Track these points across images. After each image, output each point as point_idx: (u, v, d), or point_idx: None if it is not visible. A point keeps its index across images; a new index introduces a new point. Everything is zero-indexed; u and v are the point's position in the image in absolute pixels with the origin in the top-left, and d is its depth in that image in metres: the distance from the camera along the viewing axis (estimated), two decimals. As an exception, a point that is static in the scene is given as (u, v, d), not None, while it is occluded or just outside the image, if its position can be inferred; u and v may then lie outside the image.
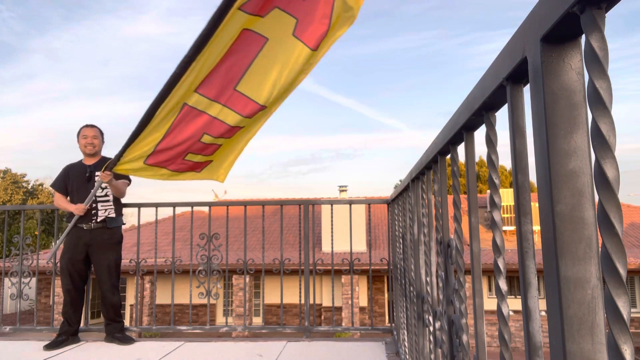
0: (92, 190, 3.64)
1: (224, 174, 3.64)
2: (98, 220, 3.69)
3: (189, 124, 3.29)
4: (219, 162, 3.59)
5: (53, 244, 4.01)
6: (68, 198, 3.81)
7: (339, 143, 58.65)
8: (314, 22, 3.09)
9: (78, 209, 3.63)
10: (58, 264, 4.07)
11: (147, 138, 3.30)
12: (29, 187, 35.23)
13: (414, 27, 51.56)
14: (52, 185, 3.89)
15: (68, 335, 3.65)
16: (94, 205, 3.70)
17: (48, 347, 3.50)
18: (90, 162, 3.83)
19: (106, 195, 3.75)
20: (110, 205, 3.75)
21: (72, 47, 54.23)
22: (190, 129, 3.31)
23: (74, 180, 3.77)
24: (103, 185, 3.70)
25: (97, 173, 3.76)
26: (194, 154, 3.45)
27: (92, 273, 3.83)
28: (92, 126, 3.86)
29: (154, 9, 54.27)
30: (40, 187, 35.72)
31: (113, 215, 3.76)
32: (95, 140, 3.81)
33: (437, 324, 1.55)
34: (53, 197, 3.91)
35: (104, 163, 3.83)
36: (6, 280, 4.40)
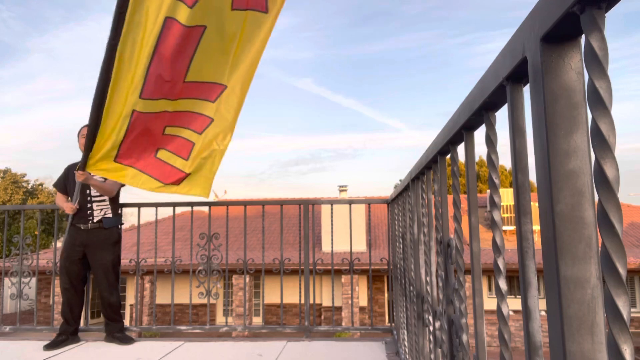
0: (75, 189, 3.67)
1: (206, 188, 3.42)
2: (94, 220, 3.69)
3: (145, 124, 3.16)
4: (197, 175, 3.39)
5: (53, 244, 4.02)
6: (69, 198, 3.82)
7: (339, 143, 58.67)
8: None
9: (68, 207, 3.68)
10: (58, 264, 4.06)
11: (105, 137, 3.19)
12: (29, 187, 35.22)
13: (414, 27, 51.58)
14: (54, 185, 3.93)
15: (68, 334, 3.64)
16: (89, 205, 3.70)
17: (48, 347, 3.50)
18: None
19: (101, 195, 3.75)
20: (107, 205, 3.75)
21: (71, 47, 54.30)
22: (148, 127, 3.18)
23: (72, 179, 3.77)
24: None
25: (91, 173, 3.76)
26: (166, 151, 3.31)
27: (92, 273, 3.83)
28: None
29: (153, 9, 54.05)
30: (40, 187, 35.73)
31: (110, 215, 3.75)
32: None
33: (437, 324, 1.55)
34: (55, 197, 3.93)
35: None
36: (6, 280, 4.41)
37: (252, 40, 3.07)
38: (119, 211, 3.90)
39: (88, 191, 3.73)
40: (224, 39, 3.03)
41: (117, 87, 3.00)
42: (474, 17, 52.82)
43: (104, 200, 3.75)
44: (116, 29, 2.85)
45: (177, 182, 3.39)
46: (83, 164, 3.33)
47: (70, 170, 3.85)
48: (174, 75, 3.05)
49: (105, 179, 3.65)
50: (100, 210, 3.72)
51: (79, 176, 3.44)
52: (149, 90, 3.03)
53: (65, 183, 3.83)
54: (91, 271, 3.78)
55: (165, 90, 3.07)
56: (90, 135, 3.18)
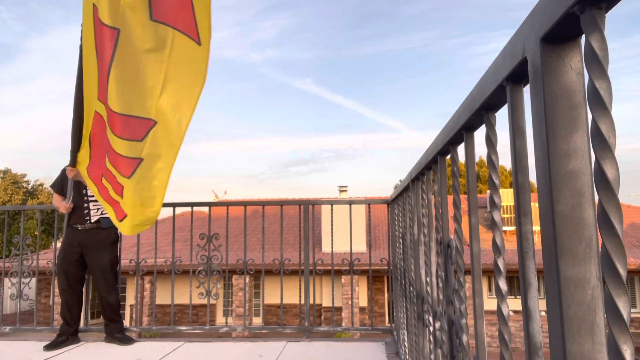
0: (68, 188, 3.70)
1: (134, 229, 3.16)
2: (92, 220, 3.69)
3: (100, 136, 3.09)
4: (131, 212, 3.12)
5: (53, 244, 4.01)
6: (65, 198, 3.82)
7: (338, 143, 58.65)
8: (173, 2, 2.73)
9: (63, 206, 3.71)
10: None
11: (83, 141, 3.21)
12: (29, 188, 35.23)
13: (414, 27, 51.55)
14: (51, 187, 3.93)
15: (68, 335, 3.64)
16: (85, 205, 3.70)
17: (48, 348, 3.50)
18: None
19: None
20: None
21: (71, 47, 54.31)
22: (101, 143, 3.09)
23: (69, 180, 3.76)
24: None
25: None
26: (106, 181, 3.14)
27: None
28: None
29: (153, 10, 54.18)
30: (40, 187, 35.73)
31: (107, 215, 3.75)
32: None
33: (437, 324, 1.55)
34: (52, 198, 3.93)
35: None
36: (6, 280, 4.40)
37: (185, 69, 2.76)
38: None
39: (85, 191, 3.73)
40: (141, 50, 2.78)
41: (87, 85, 3.02)
42: (474, 18, 52.80)
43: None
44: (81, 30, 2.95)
45: (119, 219, 3.18)
46: (73, 161, 3.35)
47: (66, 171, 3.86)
48: (102, 80, 2.92)
49: None
50: (97, 210, 3.72)
51: (69, 172, 3.47)
52: (100, 92, 2.97)
53: (63, 184, 3.83)
54: (89, 272, 3.77)
55: (103, 93, 2.95)
56: (76, 131, 3.17)
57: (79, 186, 3.72)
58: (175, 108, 2.80)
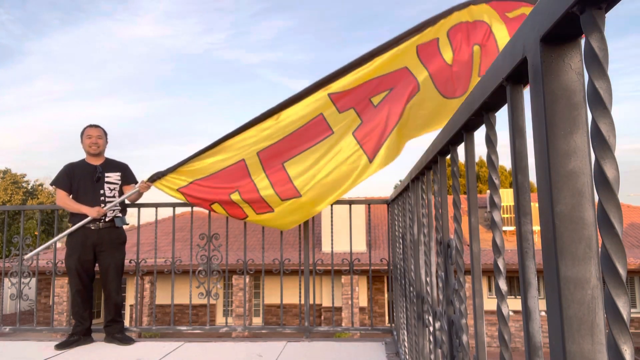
0: (122, 196, 3.76)
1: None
2: (107, 219, 3.69)
3: (232, 176, 3.58)
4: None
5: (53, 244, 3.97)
6: (70, 197, 3.78)
7: (338, 143, 58.50)
8: (375, 131, 3.36)
9: (98, 211, 3.61)
10: (58, 264, 4.06)
11: (195, 166, 3.64)
12: (29, 188, 35.22)
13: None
14: (55, 183, 3.76)
15: (80, 335, 3.64)
16: (102, 205, 3.69)
17: (59, 347, 3.49)
18: (95, 162, 3.80)
19: (114, 196, 3.77)
20: (117, 204, 3.76)
21: (69, 49, 54.36)
22: (230, 180, 3.58)
23: (81, 179, 3.73)
24: (112, 186, 3.77)
25: (106, 174, 3.77)
26: (219, 205, 3.67)
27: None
28: (97, 126, 3.85)
29: (150, 12, 54.48)
30: (40, 187, 35.73)
31: (120, 215, 3.77)
32: (99, 140, 3.79)
33: (437, 324, 1.54)
34: (55, 196, 3.88)
35: (110, 164, 3.83)
36: (6, 280, 4.39)
37: (342, 171, 3.44)
38: (126, 210, 3.91)
39: (102, 191, 3.72)
40: (328, 153, 3.43)
41: (241, 142, 3.55)
42: (471, 19, 52.74)
43: (115, 200, 3.76)
44: (286, 104, 3.47)
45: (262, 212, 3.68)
46: (157, 178, 3.73)
47: (75, 169, 3.76)
48: (285, 152, 3.50)
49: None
50: (112, 211, 3.73)
51: (145, 187, 3.76)
52: (266, 152, 3.53)
53: (71, 181, 3.73)
54: (99, 271, 3.75)
55: (271, 159, 3.52)
56: (187, 159, 3.64)
57: (97, 187, 3.71)
58: (316, 196, 3.53)
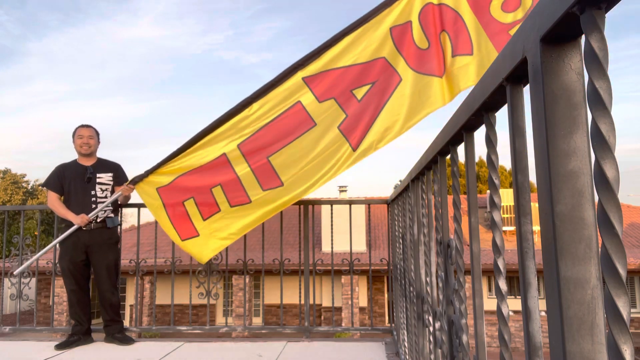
0: (107, 200, 3.70)
1: (207, 256, 3.65)
2: (98, 220, 3.68)
3: (214, 170, 3.52)
4: (204, 239, 3.61)
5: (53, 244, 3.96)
6: (62, 198, 3.76)
7: (338, 143, 58.48)
8: (360, 124, 3.33)
9: (82, 220, 3.58)
10: (58, 265, 4.06)
11: (175, 165, 3.58)
12: (29, 188, 35.23)
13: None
14: (46, 185, 3.76)
15: (80, 335, 3.64)
16: (94, 206, 3.68)
17: (59, 347, 3.49)
18: (86, 162, 3.78)
19: (106, 197, 3.75)
20: (109, 205, 3.74)
21: (69, 50, 54.41)
22: (211, 175, 3.53)
23: (71, 180, 3.71)
24: (103, 187, 3.74)
25: (98, 175, 3.75)
26: (193, 206, 3.57)
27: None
28: (88, 126, 3.82)
29: (149, 13, 54.56)
30: (40, 187, 35.72)
31: (112, 215, 3.75)
32: (91, 141, 3.76)
33: (437, 324, 1.54)
34: (47, 197, 3.84)
35: (102, 165, 3.81)
36: (6, 280, 4.39)
37: (327, 162, 3.40)
38: (119, 211, 3.90)
39: (93, 192, 3.70)
40: (314, 147, 3.37)
41: (221, 136, 3.50)
42: (473, 18, 52.69)
43: (106, 201, 3.75)
44: (260, 93, 3.40)
45: (183, 238, 3.64)
46: (139, 180, 3.67)
47: (65, 171, 3.75)
48: (268, 145, 3.44)
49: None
50: (104, 211, 3.71)
51: (128, 190, 3.71)
52: (247, 144, 3.47)
53: (62, 183, 3.72)
54: (93, 271, 3.76)
55: (253, 151, 3.47)
56: (166, 159, 3.57)
57: (88, 188, 3.70)
58: (295, 184, 3.45)
